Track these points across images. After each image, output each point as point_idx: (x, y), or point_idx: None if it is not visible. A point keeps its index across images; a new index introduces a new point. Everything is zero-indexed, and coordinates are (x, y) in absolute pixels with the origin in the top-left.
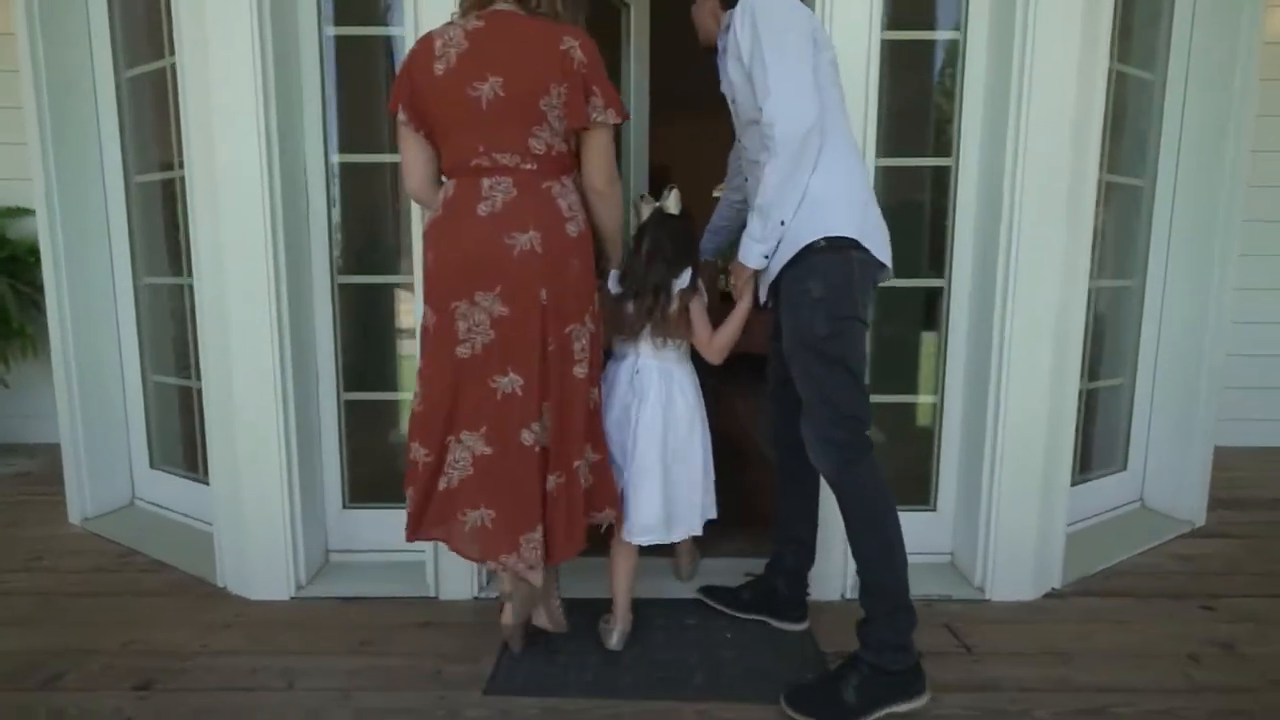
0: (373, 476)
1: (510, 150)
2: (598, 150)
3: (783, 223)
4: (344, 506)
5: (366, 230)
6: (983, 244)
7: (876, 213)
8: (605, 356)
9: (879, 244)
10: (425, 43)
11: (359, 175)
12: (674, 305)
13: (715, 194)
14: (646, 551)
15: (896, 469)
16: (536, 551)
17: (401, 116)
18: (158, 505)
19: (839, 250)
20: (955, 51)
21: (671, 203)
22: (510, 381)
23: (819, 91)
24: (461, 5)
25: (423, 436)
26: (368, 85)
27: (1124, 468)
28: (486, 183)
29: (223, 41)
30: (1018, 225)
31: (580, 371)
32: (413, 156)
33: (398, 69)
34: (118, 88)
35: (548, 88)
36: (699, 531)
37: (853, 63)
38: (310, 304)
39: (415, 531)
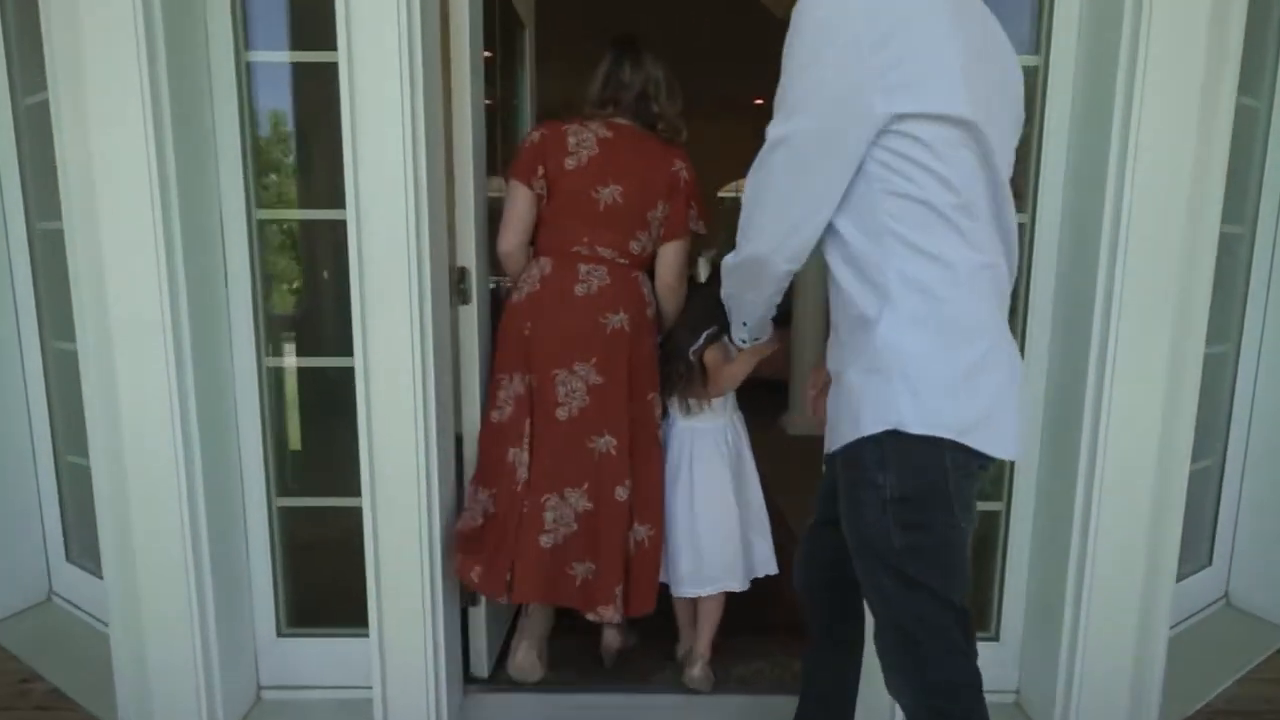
0: (318, 596)
1: (611, 246)
2: (678, 253)
3: (745, 323)
4: (279, 634)
5: (306, 300)
6: (1068, 310)
7: (1000, 379)
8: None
9: (997, 432)
10: (558, 134)
11: (291, 234)
12: (694, 369)
13: (720, 194)
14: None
15: None
16: (622, 602)
17: (523, 188)
18: (75, 605)
19: (928, 442)
20: (1031, 81)
21: (700, 269)
22: (605, 442)
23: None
24: (589, 107)
25: (504, 486)
26: (307, 121)
27: (1209, 563)
28: (584, 268)
29: (103, 71)
30: (1119, 286)
31: (657, 434)
32: (523, 225)
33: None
34: (15, 118)
35: (656, 203)
36: (736, 586)
37: None
38: (229, 389)
39: (520, 594)
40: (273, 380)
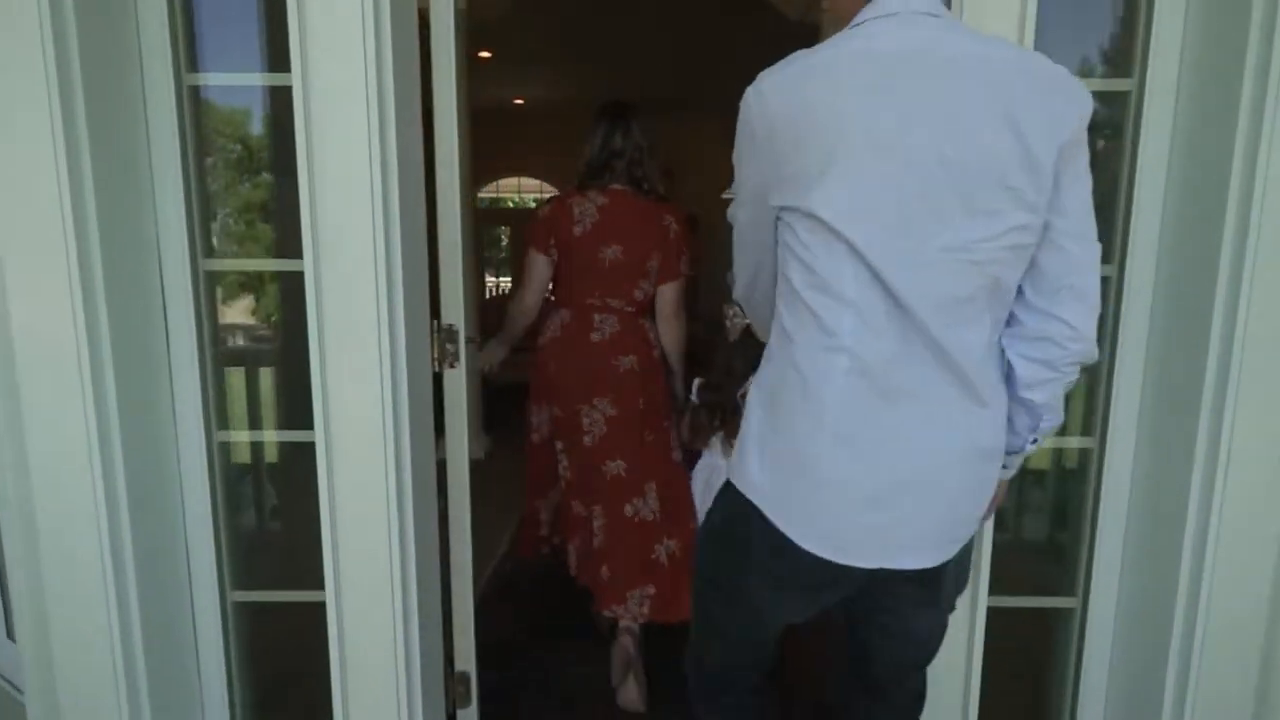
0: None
1: (619, 297)
2: (674, 291)
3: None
4: None
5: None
6: (1166, 387)
7: (817, 471)
8: (687, 456)
9: (804, 525)
10: (565, 207)
11: (247, 288)
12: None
13: (725, 195)
14: None
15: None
16: (642, 606)
17: (541, 256)
18: (14, 686)
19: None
20: (1122, 109)
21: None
22: (616, 465)
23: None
24: (582, 179)
25: (573, 499)
26: (271, 156)
27: None
28: (597, 317)
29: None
30: (1237, 359)
31: (677, 456)
32: (541, 286)
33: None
34: None
35: (652, 254)
36: None
37: None
38: (171, 468)
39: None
40: (226, 456)
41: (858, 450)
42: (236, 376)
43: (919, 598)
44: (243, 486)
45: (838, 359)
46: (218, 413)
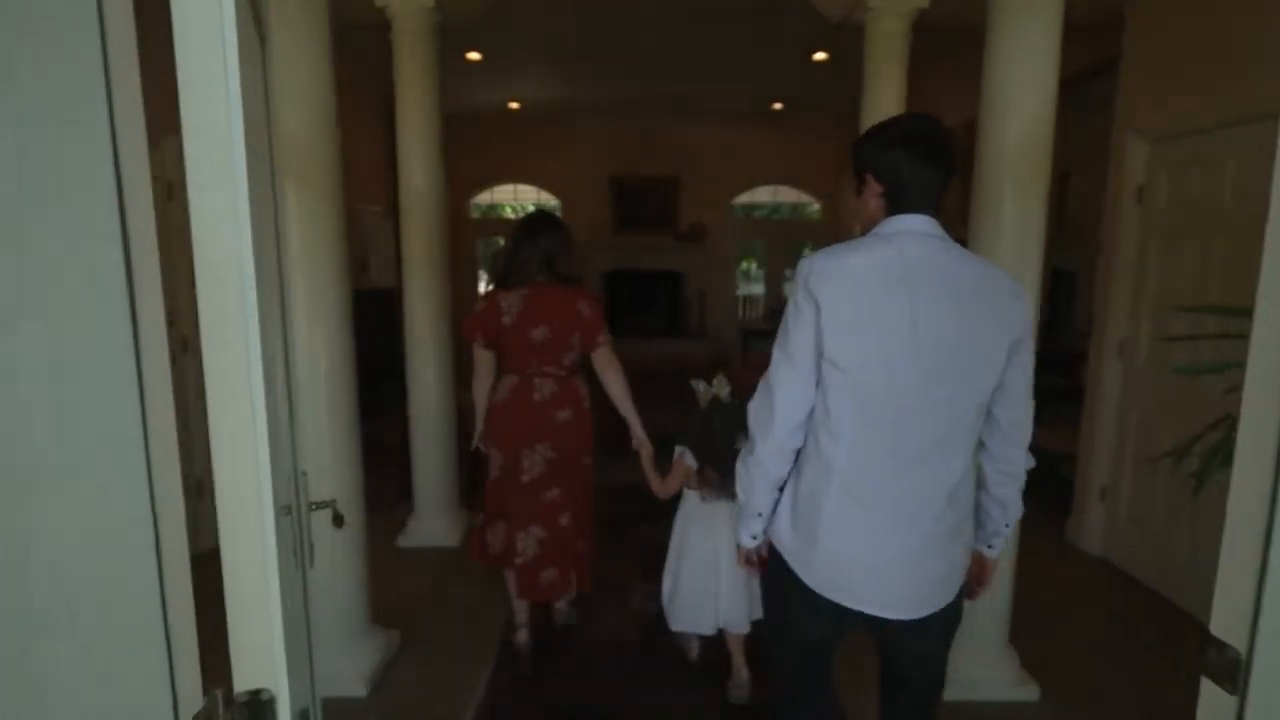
0: None
1: (553, 364)
2: (604, 352)
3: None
4: None
5: None
6: None
7: (841, 534)
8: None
9: (823, 578)
10: (493, 303)
11: None
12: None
13: (733, 200)
14: None
15: None
16: (569, 587)
17: (478, 347)
18: None
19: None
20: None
21: (722, 390)
22: (551, 494)
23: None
24: (509, 279)
25: (495, 525)
26: None
27: None
28: (537, 381)
29: None
30: None
31: (588, 482)
32: (485, 368)
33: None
34: None
35: (573, 333)
36: (740, 625)
37: None
38: None
39: (522, 593)
40: None
41: (853, 530)
42: None
43: (920, 634)
44: None
45: (831, 473)
46: None
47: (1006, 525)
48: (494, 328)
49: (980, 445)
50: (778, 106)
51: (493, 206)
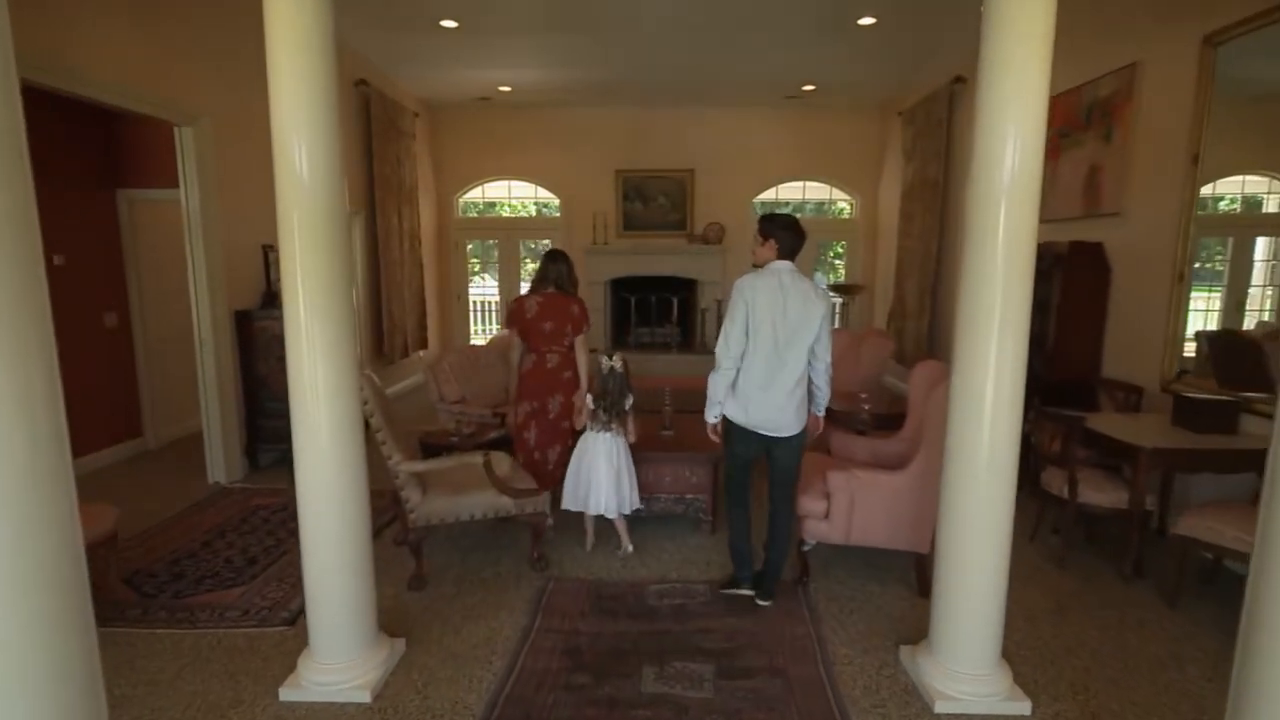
0: None
1: (558, 345)
2: (582, 338)
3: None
4: None
5: None
6: None
7: (743, 404)
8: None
9: (746, 419)
10: (521, 304)
11: None
12: (625, 416)
13: (756, 198)
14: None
15: None
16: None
17: (514, 331)
18: None
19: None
20: None
21: (616, 363)
22: (565, 424)
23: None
24: (533, 288)
25: (530, 448)
26: None
27: None
28: (548, 355)
29: None
30: None
31: (566, 425)
32: (518, 350)
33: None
34: None
35: (567, 326)
36: (613, 513)
37: None
38: None
39: (546, 487)
40: None
41: (755, 398)
42: None
43: (785, 446)
44: None
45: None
46: None
47: (822, 402)
48: (521, 321)
49: (809, 364)
50: (809, 88)
51: (490, 204)
